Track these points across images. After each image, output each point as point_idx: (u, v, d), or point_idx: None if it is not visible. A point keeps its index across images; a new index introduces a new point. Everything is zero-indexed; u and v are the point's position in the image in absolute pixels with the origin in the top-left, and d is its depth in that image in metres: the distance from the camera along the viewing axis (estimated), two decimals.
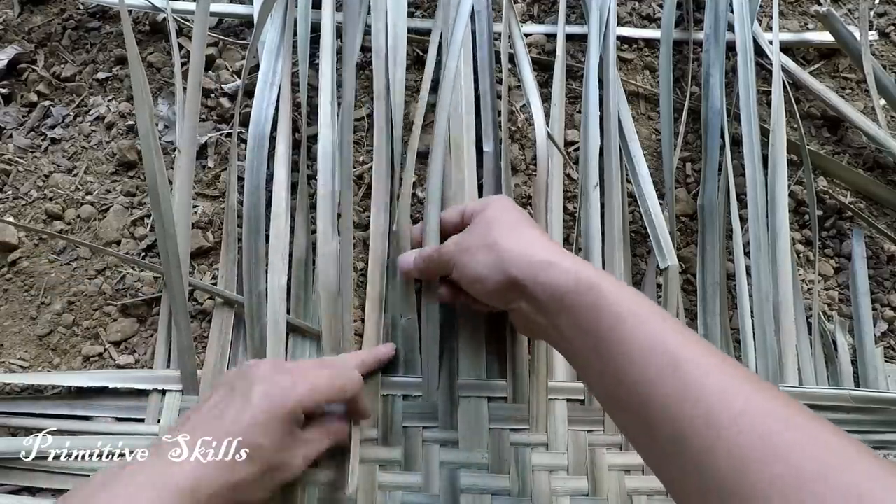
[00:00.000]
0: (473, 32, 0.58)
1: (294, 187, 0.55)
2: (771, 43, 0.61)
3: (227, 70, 0.61)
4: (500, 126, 0.56)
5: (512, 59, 0.61)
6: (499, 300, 0.44)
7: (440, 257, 0.47)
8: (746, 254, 0.55)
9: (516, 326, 0.49)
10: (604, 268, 0.54)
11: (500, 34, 0.59)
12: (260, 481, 0.39)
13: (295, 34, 0.58)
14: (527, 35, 0.62)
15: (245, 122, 0.57)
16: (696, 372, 0.32)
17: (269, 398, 0.40)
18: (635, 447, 0.35)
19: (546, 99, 0.59)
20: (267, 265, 0.53)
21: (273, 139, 0.55)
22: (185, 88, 0.59)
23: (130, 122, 0.60)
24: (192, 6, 0.61)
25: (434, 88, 0.56)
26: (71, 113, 0.61)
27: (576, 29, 0.62)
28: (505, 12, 0.59)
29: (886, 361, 0.56)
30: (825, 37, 0.63)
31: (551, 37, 0.62)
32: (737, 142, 0.59)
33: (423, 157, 0.56)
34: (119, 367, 0.53)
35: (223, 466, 0.37)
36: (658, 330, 0.35)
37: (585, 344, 0.38)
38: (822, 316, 0.56)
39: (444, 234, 0.51)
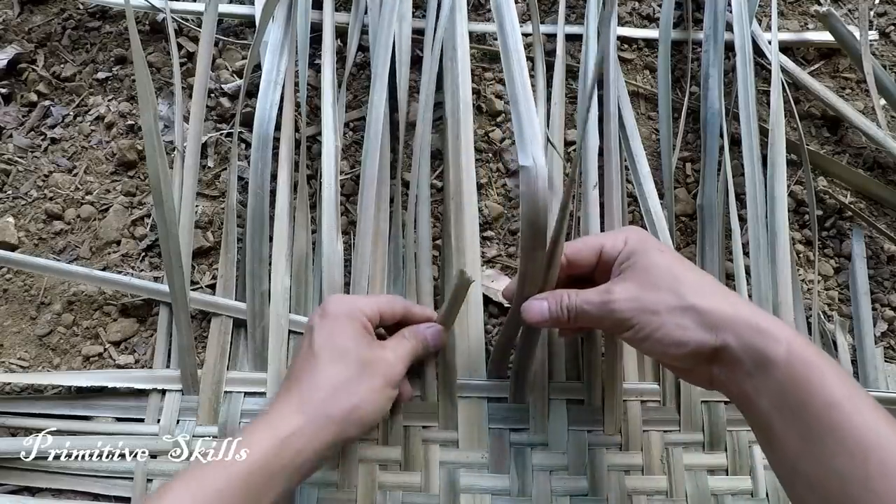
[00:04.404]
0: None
1: (294, 187, 0.55)
2: (770, 43, 0.61)
3: (227, 70, 0.61)
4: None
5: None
6: (685, 363, 0.40)
7: (609, 315, 0.41)
8: (746, 254, 0.55)
9: (687, 380, 0.46)
10: None
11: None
12: (367, 380, 0.42)
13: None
14: (526, 35, 0.62)
15: (244, 122, 0.58)
16: None
17: (328, 316, 0.43)
18: None
19: (546, 99, 0.59)
20: (270, 265, 0.53)
21: (274, 139, 0.55)
22: (184, 88, 0.59)
23: (130, 122, 0.60)
24: (191, 6, 0.61)
25: (439, 87, 0.56)
26: (71, 113, 0.61)
27: (576, 29, 0.62)
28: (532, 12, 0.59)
29: (886, 361, 0.56)
30: (825, 37, 0.63)
31: (551, 37, 0.62)
32: (736, 142, 0.59)
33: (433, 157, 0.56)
34: (119, 367, 0.53)
35: (325, 397, 0.41)
36: (875, 423, 0.32)
37: (785, 421, 0.35)
38: (822, 316, 0.56)
39: (570, 274, 0.45)
